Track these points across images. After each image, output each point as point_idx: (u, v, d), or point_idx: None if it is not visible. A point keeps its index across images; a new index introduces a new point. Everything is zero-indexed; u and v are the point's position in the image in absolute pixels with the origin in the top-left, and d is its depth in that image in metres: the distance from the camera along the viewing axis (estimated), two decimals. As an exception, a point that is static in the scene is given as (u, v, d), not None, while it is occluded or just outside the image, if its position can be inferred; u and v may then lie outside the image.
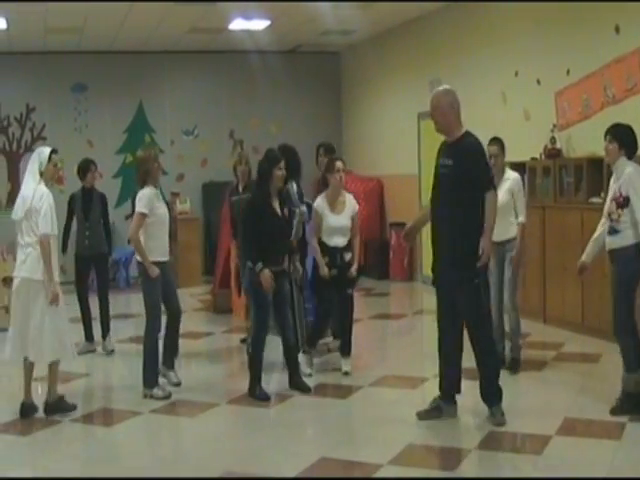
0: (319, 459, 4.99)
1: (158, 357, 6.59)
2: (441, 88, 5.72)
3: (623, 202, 5.67)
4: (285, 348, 6.65)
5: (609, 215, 5.77)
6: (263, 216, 6.37)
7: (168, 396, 6.44)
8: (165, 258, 6.61)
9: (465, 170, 5.45)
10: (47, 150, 6.17)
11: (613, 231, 5.75)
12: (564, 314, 8.22)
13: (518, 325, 6.88)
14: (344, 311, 7.08)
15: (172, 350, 6.88)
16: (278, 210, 6.47)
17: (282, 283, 6.51)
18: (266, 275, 6.24)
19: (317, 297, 7.20)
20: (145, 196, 6.46)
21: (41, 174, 6.04)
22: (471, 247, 5.47)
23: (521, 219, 6.78)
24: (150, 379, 6.51)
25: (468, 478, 4.76)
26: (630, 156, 5.75)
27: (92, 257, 8.20)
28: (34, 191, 5.92)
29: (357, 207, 7.11)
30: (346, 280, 6.99)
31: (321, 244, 6.94)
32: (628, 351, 5.66)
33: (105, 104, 13.59)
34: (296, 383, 6.57)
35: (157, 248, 6.51)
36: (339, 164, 6.96)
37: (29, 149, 13.21)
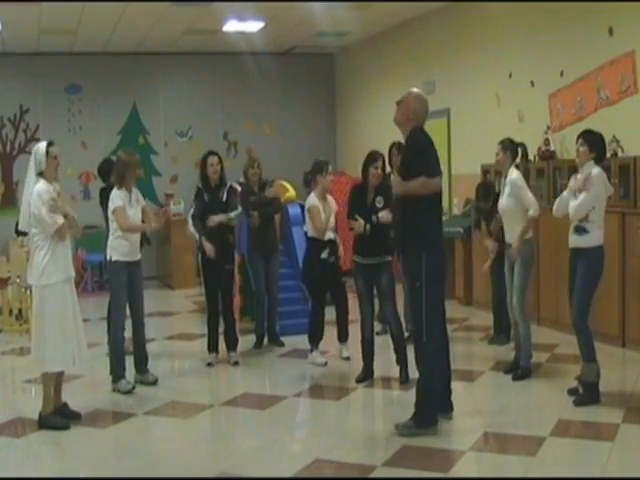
0: (314, 460, 4.99)
1: (122, 351, 6.69)
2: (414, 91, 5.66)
3: None
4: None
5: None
6: None
7: (131, 390, 6.55)
8: (133, 258, 6.66)
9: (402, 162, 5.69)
10: (42, 146, 5.62)
11: (581, 230, 5.95)
12: (558, 316, 8.22)
13: (527, 333, 6.64)
14: (340, 300, 7.41)
15: (140, 358, 6.86)
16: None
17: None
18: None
19: (312, 295, 7.43)
20: (116, 196, 6.53)
21: (41, 173, 5.57)
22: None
23: (530, 212, 6.56)
24: (116, 372, 6.63)
25: (462, 479, 4.77)
26: (598, 161, 5.99)
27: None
28: (32, 194, 5.52)
29: (336, 208, 7.53)
30: (340, 271, 7.41)
31: (316, 240, 7.26)
32: (588, 342, 5.94)
33: (99, 105, 13.59)
34: None
35: (126, 248, 6.58)
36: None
37: (23, 150, 13.21)
